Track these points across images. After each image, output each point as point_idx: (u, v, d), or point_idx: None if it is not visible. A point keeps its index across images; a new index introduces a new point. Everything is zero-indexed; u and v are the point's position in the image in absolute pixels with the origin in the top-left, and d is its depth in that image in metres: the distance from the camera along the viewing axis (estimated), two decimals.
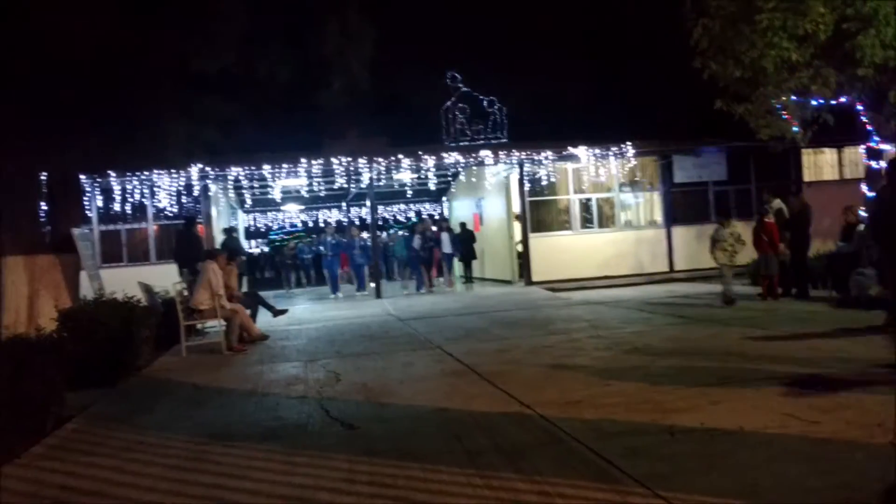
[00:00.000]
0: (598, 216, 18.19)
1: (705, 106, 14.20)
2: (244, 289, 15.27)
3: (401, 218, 29.62)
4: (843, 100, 13.20)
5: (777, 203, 12.92)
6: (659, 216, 18.35)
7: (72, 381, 6.99)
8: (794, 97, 13.09)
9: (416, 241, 18.34)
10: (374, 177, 17.54)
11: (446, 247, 18.68)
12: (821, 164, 18.83)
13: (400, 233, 26.49)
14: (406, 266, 20.13)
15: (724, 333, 8.93)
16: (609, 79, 23.15)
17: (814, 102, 13.19)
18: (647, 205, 18.60)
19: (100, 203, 16.14)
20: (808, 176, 18.49)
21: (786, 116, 13.44)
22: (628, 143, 17.40)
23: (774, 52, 11.94)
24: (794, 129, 13.62)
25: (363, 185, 18.55)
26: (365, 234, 19.43)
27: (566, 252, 17.62)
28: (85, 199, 15.07)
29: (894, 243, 8.00)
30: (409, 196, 24.96)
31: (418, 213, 28.25)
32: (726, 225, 12.13)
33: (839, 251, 11.70)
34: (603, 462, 4.30)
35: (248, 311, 11.15)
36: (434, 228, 19.29)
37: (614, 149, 17.41)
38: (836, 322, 9.04)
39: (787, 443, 4.45)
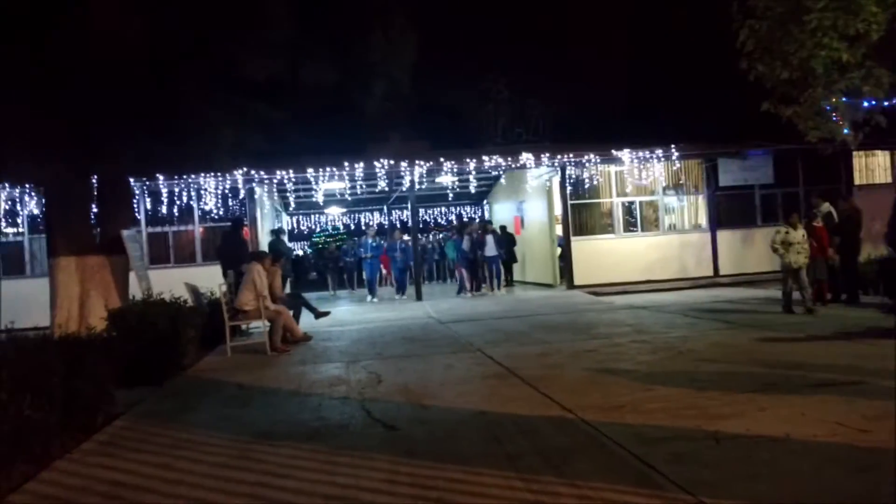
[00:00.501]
0: (642, 219, 18.01)
1: (752, 108, 14.00)
2: (287, 290, 15.45)
3: (441, 221, 29.65)
4: None
5: (826, 207, 12.65)
6: (704, 220, 18.10)
7: (121, 379, 7.18)
8: (844, 98, 12.83)
9: (466, 243, 18.00)
10: (416, 180, 17.61)
11: (490, 250, 18.33)
12: (872, 167, 18.38)
13: (440, 235, 26.53)
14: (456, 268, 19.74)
15: (771, 339, 8.76)
16: (653, 81, 22.91)
17: (865, 104, 12.90)
18: (691, 208, 18.36)
19: (148, 205, 16.52)
20: (858, 179, 18.07)
21: (836, 118, 13.17)
22: (672, 145, 17.21)
23: (824, 52, 11.73)
24: (845, 131, 13.34)
25: (405, 189, 18.62)
26: (406, 237, 19.39)
27: (609, 256, 17.49)
28: (134, 201, 15.42)
29: None
30: (450, 199, 25.06)
31: (459, 216, 28.30)
32: (798, 226, 11.29)
33: (891, 256, 11.39)
34: (646, 468, 4.26)
35: (290, 312, 11.28)
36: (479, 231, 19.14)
37: (658, 151, 17.24)
38: (886, 329, 8.79)
39: (834, 451, 4.35)
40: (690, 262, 17.71)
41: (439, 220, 29.51)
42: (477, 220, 22.64)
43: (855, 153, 17.33)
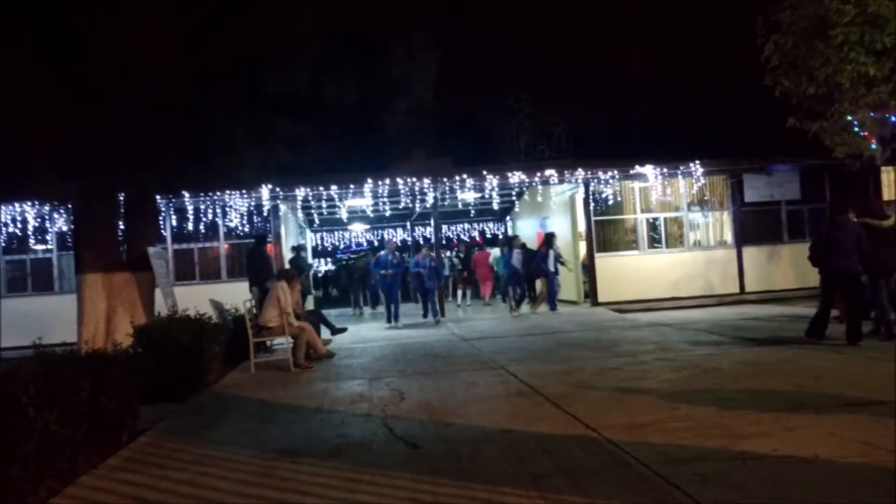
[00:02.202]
0: (666, 236, 17.88)
1: (777, 124, 13.89)
2: (311, 307, 15.47)
3: (464, 237, 29.63)
4: None
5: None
6: (729, 236, 17.94)
7: (145, 395, 7.21)
8: (871, 113, 12.69)
9: (516, 258, 17.10)
10: (439, 196, 17.62)
11: (551, 265, 17.06)
12: None
13: (454, 252, 26.42)
14: (507, 284, 18.37)
15: (798, 357, 8.62)
16: (677, 97, 22.82)
17: (893, 118, 12.76)
18: (716, 224, 18.21)
19: (174, 222, 16.71)
20: (887, 195, 17.80)
21: (863, 133, 13.03)
22: (697, 161, 17.10)
23: (851, 67, 11.63)
24: (872, 146, 13.19)
25: (428, 205, 18.64)
26: (432, 254, 19.23)
27: (633, 272, 17.37)
28: (160, 218, 15.58)
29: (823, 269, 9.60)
30: (472, 215, 25.10)
31: (482, 233, 28.31)
32: None
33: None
34: (671, 488, 4.20)
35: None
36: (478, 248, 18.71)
37: (682, 167, 17.15)
38: None
39: (865, 473, 4.26)
40: (716, 279, 17.53)
41: (461, 237, 29.53)
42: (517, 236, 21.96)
43: (883, 168, 17.10)
